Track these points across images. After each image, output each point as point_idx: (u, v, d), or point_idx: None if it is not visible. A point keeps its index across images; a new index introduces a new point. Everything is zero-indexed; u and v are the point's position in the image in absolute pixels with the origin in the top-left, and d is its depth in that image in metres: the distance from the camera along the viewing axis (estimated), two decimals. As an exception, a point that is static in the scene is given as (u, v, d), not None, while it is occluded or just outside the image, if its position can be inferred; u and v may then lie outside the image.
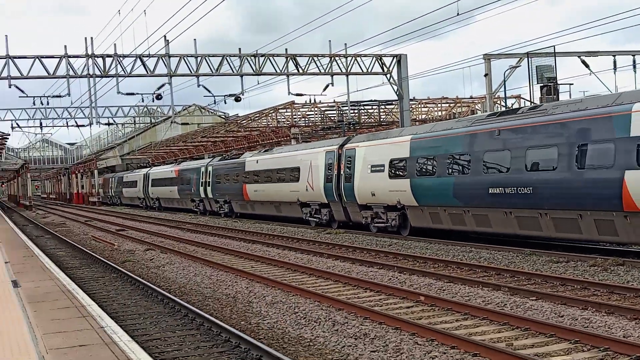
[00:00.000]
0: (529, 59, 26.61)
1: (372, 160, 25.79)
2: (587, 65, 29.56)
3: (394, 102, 48.45)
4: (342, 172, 28.00)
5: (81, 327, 9.43)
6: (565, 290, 13.67)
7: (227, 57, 34.04)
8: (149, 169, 66.01)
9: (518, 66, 29.64)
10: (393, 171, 24.49)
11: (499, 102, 42.35)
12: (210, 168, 45.50)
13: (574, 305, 12.04)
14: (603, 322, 10.67)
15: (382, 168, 25.06)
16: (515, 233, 19.74)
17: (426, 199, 22.84)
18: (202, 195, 46.93)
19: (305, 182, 31.04)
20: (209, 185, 45.23)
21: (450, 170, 21.54)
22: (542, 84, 25.22)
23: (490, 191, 19.78)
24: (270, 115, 53.18)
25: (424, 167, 22.88)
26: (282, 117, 53.20)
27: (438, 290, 14.17)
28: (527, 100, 30.80)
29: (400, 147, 24.05)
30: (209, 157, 55.31)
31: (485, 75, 30.66)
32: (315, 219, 30.96)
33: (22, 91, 34.29)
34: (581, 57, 30.10)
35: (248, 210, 39.54)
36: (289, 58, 34.65)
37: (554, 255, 17.78)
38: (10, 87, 32.36)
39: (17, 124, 52.88)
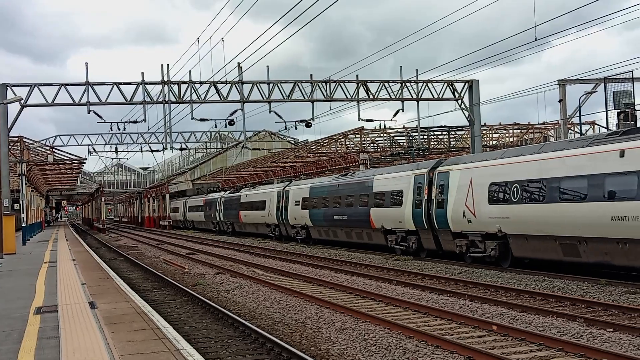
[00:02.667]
0: (605, 84, 26.08)
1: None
2: (665, 91, 28.78)
3: (464, 128, 48.06)
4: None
5: (157, 349, 9.57)
6: (644, 322, 13.24)
7: (299, 83, 34.43)
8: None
9: (594, 92, 29.09)
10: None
11: (573, 128, 41.54)
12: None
13: (654, 339, 11.64)
14: (686, 357, 10.28)
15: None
16: None
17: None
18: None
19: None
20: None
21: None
22: (619, 110, 24.64)
23: None
24: (339, 140, 53.40)
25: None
26: (351, 142, 53.35)
27: (511, 319, 13.89)
28: (602, 127, 30.11)
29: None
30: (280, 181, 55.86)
31: (560, 100, 30.17)
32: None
33: (100, 117, 35.32)
34: (659, 83, 29.34)
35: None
36: (359, 84, 34.82)
37: (631, 286, 17.25)
38: (89, 112, 33.43)
39: (93, 148, 54.40)
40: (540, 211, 20.39)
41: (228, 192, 60.33)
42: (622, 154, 17.60)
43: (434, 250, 27.24)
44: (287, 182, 46.69)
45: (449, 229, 25.21)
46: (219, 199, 60.87)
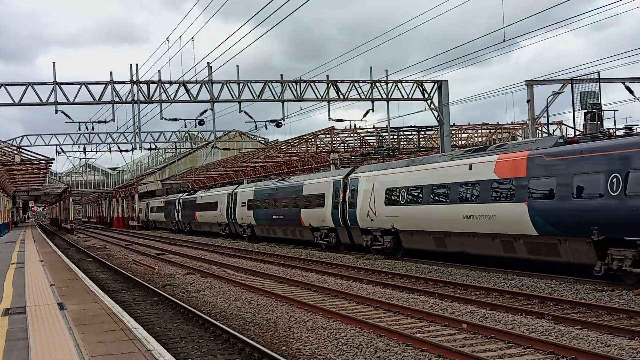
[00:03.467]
0: (572, 85, 26.39)
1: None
2: (631, 91, 29.24)
3: (433, 128, 48.35)
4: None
5: (128, 349, 9.52)
6: (611, 319, 13.44)
7: (269, 83, 34.38)
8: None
9: (561, 92, 29.43)
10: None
11: (540, 128, 41.99)
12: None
13: (620, 335, 11.83)
14: (651, 353, 10.46)
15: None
16: None
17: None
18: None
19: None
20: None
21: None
22: (586, 111, 24.95)
23: None
24: (309, 140, 53.43)
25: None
26: (322, 142, 53.40)
27: (480, 317, 14.02)
28: (570, 127, 30.51)
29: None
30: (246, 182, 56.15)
31: (528, 101, 30.48)
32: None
33: (68, 116, 34.94)
34: (625, 83, 29.79)
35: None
36: (329, 84, 34.87)
37: (597, 284, 17.50)
38: (56, 112, 33.04)
39: (61, 148, 53.87)
40: (419, 211, 25.31)
41: (186, 194, 64.52)
42: (470, 167, 22.54)
43: (349, 244, 31.88)
44: (236, 185, 51.74)
45: (358, 226, 30.10)
46: (177, 200, 64.79)
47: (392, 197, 27.14)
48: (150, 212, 78.38)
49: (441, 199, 23.93)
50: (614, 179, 16.87)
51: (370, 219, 28.80)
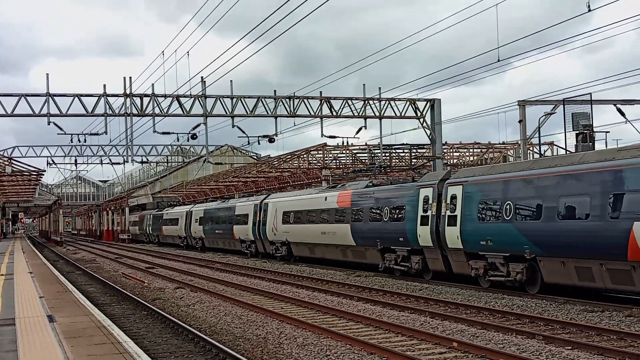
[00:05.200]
0: (564, 106, 26.55)
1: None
2: (622, 114, 29.42)
3: (425, 146, 48.48)
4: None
5: (117, 363, 9.48)
6: (601, 340, 13.46)
7: (263, 99, 34.44)
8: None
9: (553, 113, 29.60)
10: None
11: (532, 148, 42.20)
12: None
13: (610, 356, 11.85)
14: (641, 374, 10.48)
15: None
16: None
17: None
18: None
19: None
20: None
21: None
22: (577, 132, 25.10)
23: None
24: (302, 156, 53.47)
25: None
26: (314, 158, 53.46)
27: (471, 336, 14.02)
28: (561, 148, 30.66)
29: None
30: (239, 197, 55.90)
31: (520, 121, 30.64)
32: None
33: (61, 128, 34.85)
34: (617, 105, 29.99)
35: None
36: (323, 101, 34.96)
37: (588, 305, 17.54)
38: (49, 124, 32.96)
39: (52, 160, 53.74)
40: (302, 229, 34.56)
41: (155, 210, 74.38)
42: (325, 199, 32.33)
43: (263, 253, 40.87)
44: (192, 204, 60.42)
45: (267, 239, 39.41)
46: (148, 215, 74.23)
47: (286, 218, 36.46)
48: (130, 225, 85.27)
49: (312, 220, 33.34)
50: (385, 211, 26.86)
51: (274, 233, 38.24)
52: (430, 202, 24.00)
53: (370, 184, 29.49)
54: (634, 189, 16.34)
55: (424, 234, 24.17)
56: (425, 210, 24.23)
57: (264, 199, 40.67)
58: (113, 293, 24.61)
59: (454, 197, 22.63)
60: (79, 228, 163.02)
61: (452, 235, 22.55)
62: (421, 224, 24.37)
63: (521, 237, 19.64)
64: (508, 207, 20.12)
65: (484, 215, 21.31)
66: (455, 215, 22.44)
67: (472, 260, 21.95)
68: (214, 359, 12.58)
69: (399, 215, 25.95)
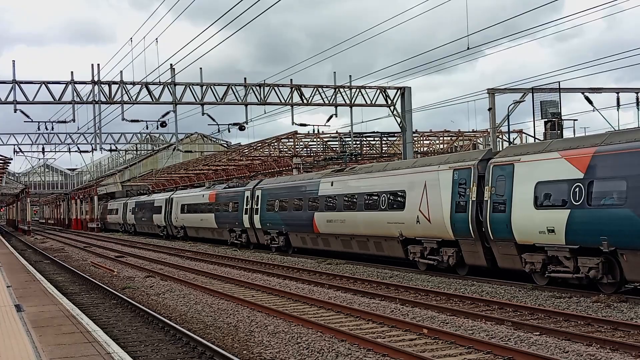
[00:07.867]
0: (533, 94, 26.75)
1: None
2: (590, 102, 29.74)
3: (396, 135, 48.62)
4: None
5: (87, 352, 9.40)
6: (569, 325, 13.63)
7: (233, 87, 34.22)
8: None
9: (522, 101, 29.79)
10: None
11: (501, 136, 42.49)
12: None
13: (578, 341, 12.00)
14: (608, 359, 10.63)
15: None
16: None
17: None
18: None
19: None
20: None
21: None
22: (546, 120, 25.30)
23: None
24: (272, 144, 53.35)
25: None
26: (285, 146, 53.37)
27: (441, 323, 14.12)
28: (530, 136, 30.90)
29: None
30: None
31: (489, 109, 30.81)
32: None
33: (27, 116, 34.33)
34: (585, 94, 30.29)
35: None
36: (293, 88, 34.85)
37: (556, 291, 17.74)
38: (15, 111, 32.44)
39: (19, 148, 52.93)
40: (192, 217, 47.68)
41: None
42: (203, 196, 45.74)
43: (171, 235, 54.31)
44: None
45: (172, 224, 52.26)
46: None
47: (182, 209, 50.57)
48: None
49: (196, 210, 47.16)
50: (229, 205, 39.34)
51: (176, 220, 51.82)
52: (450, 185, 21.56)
53: (227, 187, 43.76)
54: None
55: (250, 220, 37.59)
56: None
57: (171, 195, 54.12)
58: (82, 282, 24.40)
59: (500, 177, 19.57)
60: (47, 217, 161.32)
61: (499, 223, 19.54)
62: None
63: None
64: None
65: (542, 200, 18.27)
66: (504, 200, 19.35)
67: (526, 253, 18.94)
68: (185, 347, 12.53)
69: (234, 209, 39.46)
